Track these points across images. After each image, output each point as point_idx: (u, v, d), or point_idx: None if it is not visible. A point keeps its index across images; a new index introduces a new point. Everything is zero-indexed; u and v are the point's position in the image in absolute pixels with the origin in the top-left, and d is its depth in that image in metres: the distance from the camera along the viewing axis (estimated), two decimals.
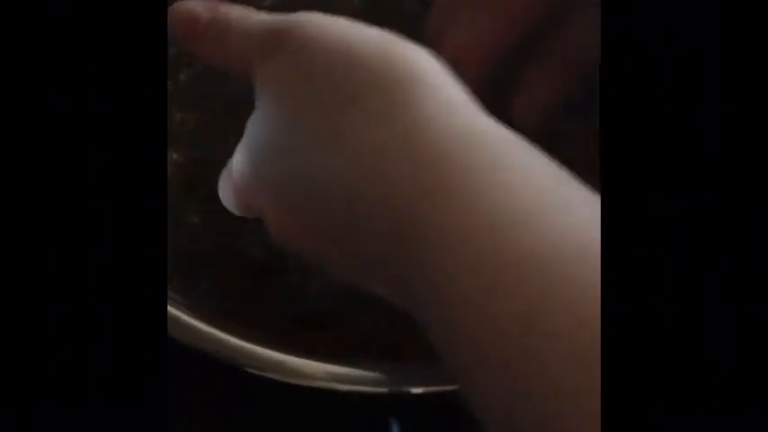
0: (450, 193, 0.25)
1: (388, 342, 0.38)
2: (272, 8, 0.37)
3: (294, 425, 0.38)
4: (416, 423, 0.37)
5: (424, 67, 0.28)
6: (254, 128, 0.31)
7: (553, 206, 0.25)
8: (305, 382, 0.34)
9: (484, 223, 0.24)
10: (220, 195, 0.34)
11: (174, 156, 0.43)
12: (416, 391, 0.34)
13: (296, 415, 0.37)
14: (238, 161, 0.31)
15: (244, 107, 0.31)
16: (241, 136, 0.31)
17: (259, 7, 0.33)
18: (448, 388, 0.33)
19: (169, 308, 0.35)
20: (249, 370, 0.34)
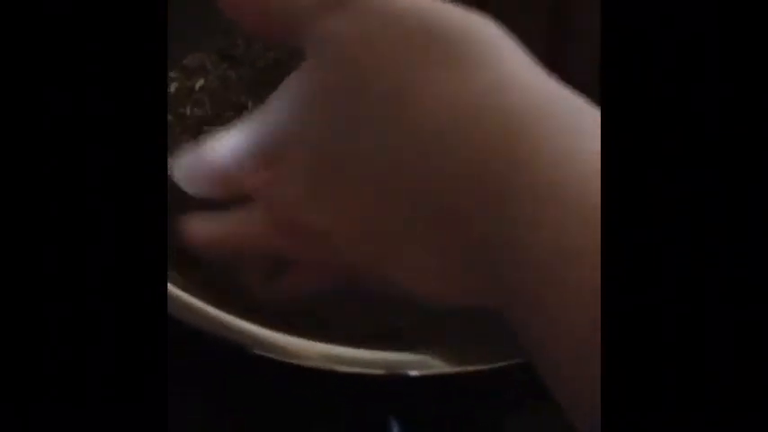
0: (539, 146, 0.24)
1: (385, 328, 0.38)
2: None
3: (294, 405, 0.38)
4: (415, 408, 0.38)
5: (498, 32, 0.27)
6: (302, 92, 0.29)
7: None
8: (306, 363, 0.34)
9: (572, 181, 0.24)
10: (184, 176, 0.32)
11: None
12: (414, 374, 0.34)
13: (296, 396, 0.38)
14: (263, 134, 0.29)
15: None
16: None
17: None
18: (445, 372, 0.34)
19: (173, 289, 0.35)
20: (255, 351, 0.34)
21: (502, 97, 0.25)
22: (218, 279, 0.39)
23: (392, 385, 0.36)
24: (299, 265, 0.32)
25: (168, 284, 0.34)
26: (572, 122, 0.25)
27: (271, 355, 0.34)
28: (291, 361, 0.34)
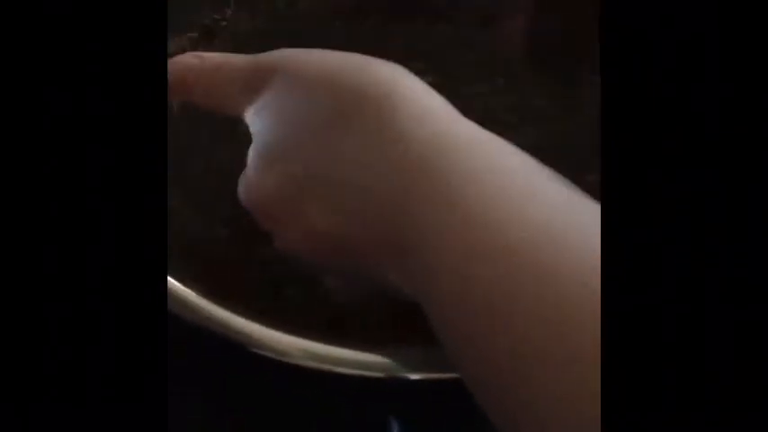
0: (428, 191, 0.28)
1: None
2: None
3: (294, 407, 0.38)
4: (414, 411, 0.38)
5: (397, 83, 0.31)
6: (259, 142, 0.33)
7: (524, 194, 0.27)
8: (306, 364, 0.34)
9: (467, 216, 0.27)
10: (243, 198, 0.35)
11: None
12: (415, 377, 0.34)
13: (296, 397, 0.38)
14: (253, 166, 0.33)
15: None
16: None
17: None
18: (446, 375, 0.34)
19: (175, 286, 0.35)
20: (253, 350, 0.34)
21: (384, 155, 0.29)
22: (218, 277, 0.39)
23: (392, 387, 0.36)
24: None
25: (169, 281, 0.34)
26: (463, 158, 0.28)
27: (270, 356, 0.34)
28: (291, 362, 0.34)
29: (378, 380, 0.34)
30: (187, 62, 0.36)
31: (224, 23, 0.47)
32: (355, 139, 0.30)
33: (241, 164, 0.34)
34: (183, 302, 0.36)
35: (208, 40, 0.48)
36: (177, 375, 0.26)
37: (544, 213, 0.26)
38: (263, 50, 0.35)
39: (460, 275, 0.26)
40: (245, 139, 0.34)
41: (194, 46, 0.49)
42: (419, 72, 0.32)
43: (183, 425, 0.37)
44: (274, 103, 0.33)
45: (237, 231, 0.41)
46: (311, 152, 0.31)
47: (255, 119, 0.34)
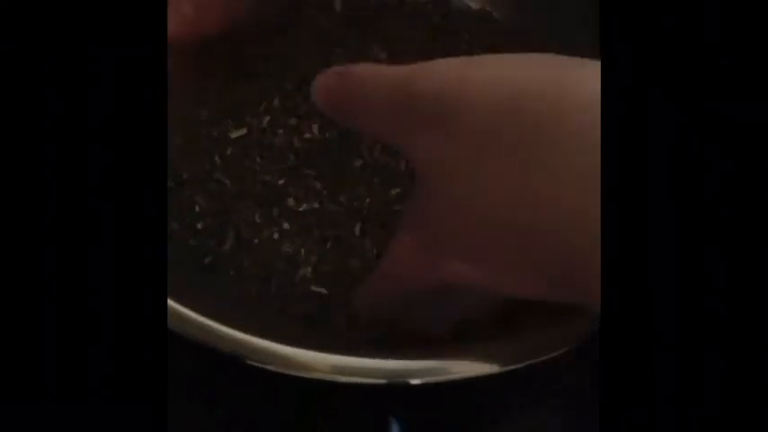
0: None
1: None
2: None
3: (293, 406, 0.38)
4: (414, 411, 0.38)
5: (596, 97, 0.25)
6: (427, 209, 0.30)
7: None
8: (305, 374, 0.34)
9: None
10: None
11: None
12: (415, 382, 0.34)
13: (295, 405, 0.38)
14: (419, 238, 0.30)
15: None
16: None
17: None
18: (447, 379, 0.34)
19: (170, 302, 0.35)
20: (250, 362, 0.34)
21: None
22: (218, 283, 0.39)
23: (393, 394, 0.36)
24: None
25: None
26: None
27: (270, 368, 0.34)
28: (291, 372, 0.34)
29: (379, 387, 0.34)
30: (326, 80, 0.31)
31: None
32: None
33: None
34: (178, 316, 0.35)
35: None
36: (177, 377, 0.26)
37: None
38: None
39: None
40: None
41: None
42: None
43: (184, 425, 0.37)
44: (446, 148, 0.28)
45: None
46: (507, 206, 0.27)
47: (423, 172, 0.30)
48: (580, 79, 0.26)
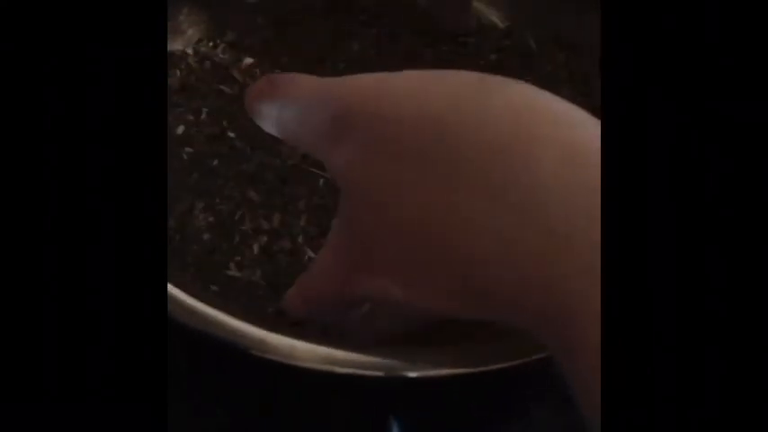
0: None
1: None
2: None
3: (294, 406, 0.38)
4: (414, 410, 0.38)
5: (538, 118, 0.26)
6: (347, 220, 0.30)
7: None
8: (305, 365, 0.34)
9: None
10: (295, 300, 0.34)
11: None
12: (413, 375, 0.34)
13: (296, 397, 0.38)
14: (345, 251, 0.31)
15: None
16: None
17: None
18: (444, 373, 0.34)
19: (173, 290, 0.35)
20: (252, 352, 0.34)
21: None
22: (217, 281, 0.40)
23: (392, 387, 0.36)
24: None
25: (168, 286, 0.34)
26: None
27: (270, 357, 0.34)
28: (290, 363, 0.34)
29: (377, 379, 0.34)
30: (257, 88, 0.32)
31: None
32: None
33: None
34: (182, 305, 0.35)
35: None
36: (177, 375, 0.26)
37: None
38: None
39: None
40: None
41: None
42: None
43: (184, 425, 0.37)
44: (360, 159, 0.28)
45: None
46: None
47: (343, 185, 0.30)
48: (492, 94, 0.26)
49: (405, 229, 0.28)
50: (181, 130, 0.47)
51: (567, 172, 0.25)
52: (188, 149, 0.46)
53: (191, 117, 0.48)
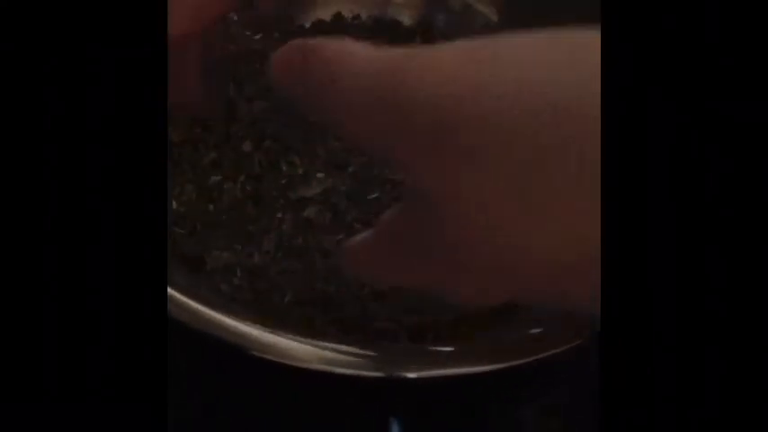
0: None
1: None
2: None
3: (294, 407, 0.38)
4: (414, 410, 0.38)
5: None
6: None
7: None
8: (304, 365, 0.34)
9: None
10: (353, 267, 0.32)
11: None
12: (413, 375, 0.34)
13: (296, 397, 0.38)
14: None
15: None
16: None
17: None
18: (443, 373, 0.34)
19: (173, 292, 0.35)
20: (252, 352, 0.34)
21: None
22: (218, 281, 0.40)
23: (392, 387, 0.36)
24: None
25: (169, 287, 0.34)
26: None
27: (270, 357, 0.34)
28: (290, 363, 0.34)
29: (377, 379, 0.34)
30: (286, 54, 0.27)
31: None
32: None
33: None
34: (181, 305, 0.35)
35: None
36: (177, 375, 0.26)
37: None
38: None
39: None
40: None
41: None
42: None
43: (184, 425, 0.37)
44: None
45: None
46: None
47: None
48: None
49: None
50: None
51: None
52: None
53: None
